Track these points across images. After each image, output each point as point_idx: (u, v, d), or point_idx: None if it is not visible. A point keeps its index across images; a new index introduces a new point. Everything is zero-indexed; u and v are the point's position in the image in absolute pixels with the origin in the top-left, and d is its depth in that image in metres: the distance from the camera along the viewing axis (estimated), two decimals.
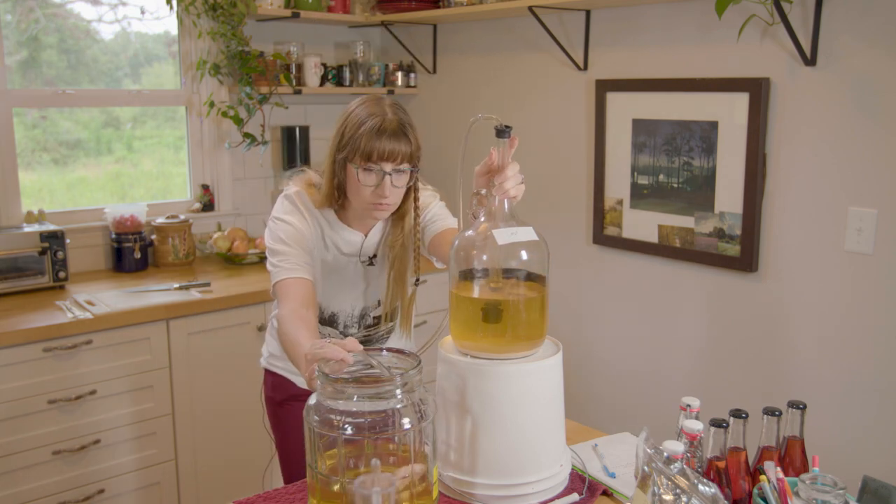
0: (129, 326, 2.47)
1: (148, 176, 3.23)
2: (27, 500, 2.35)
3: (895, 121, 2.06)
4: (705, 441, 1.26)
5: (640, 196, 2.66)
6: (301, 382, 1.86)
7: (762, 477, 1.19)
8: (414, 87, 3.52)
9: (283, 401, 1.89)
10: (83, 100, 2.97)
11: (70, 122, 3.02)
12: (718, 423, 1.23)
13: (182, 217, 3.08)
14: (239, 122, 3.10)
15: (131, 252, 2.94)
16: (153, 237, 3.02)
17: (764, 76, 2.28)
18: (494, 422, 1.30)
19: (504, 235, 1.32)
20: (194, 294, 2.65)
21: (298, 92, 3.22)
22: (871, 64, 2.08)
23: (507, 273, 1.36)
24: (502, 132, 1.36)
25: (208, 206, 3.26)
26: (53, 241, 2.65)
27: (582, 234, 2.92)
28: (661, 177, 2.59)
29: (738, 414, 1.23)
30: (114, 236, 2.93)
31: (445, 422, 1.34)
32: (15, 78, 2.84)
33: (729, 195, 2.40)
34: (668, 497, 1.06)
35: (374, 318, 1.85)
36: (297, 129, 3.30)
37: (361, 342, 1.72)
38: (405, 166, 1.62)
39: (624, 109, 2.67)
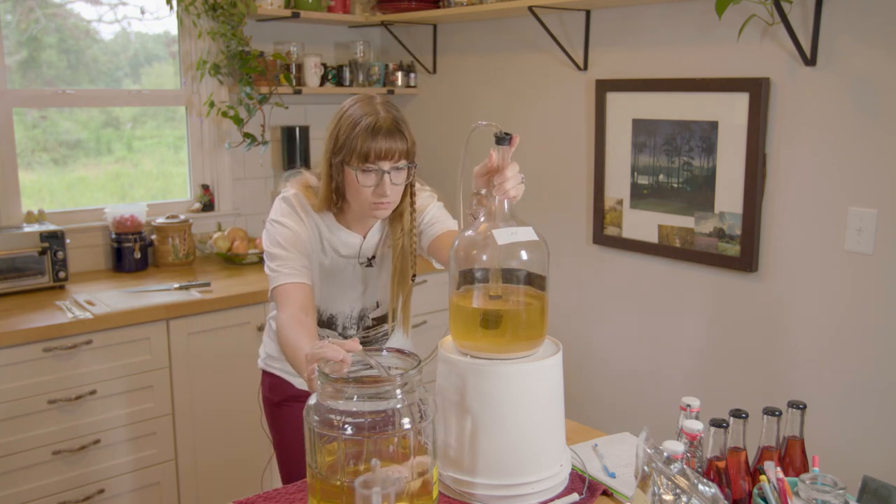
0: (129, 326, 2.47)
1: (148, 176, 3.23)
2: (27, 500, 2.35)
3: (895, 121, 2.06)
4: (705, 441, 1.26)
5: (640, 196, 2.66)
6: (299, 383, 1.85)
7: (762, 477, 1.19)
8: (414, 87, 3.52)
9: (281, 402, 1.89)
10: (83, 100, 2.97)
11: (70, 122, 3.02)
12: (718, 423, 1.23)
13: (182, 217, 3.08)
14: (239, 122, 3.10)
15: (131, 252, 2.94)
16: (153, 237, 3.02)
17: (764, 76, 2.28)
18: (494, 422, 1.30)
19: (504, 235, 1.32)
20: (194, 294, 2.65)
21: (298, 92, 3.22)
22: (871, 64, 2.08)
23: (507, 274, 1.36)
24: (501, 139, 1.36)
25: (208, 206, 3.26)
26: (53, 241, 2.65)
27: (582, 234, 2.92)
28: (661, 177, 2.59)
29: (738, 414, 1.23)
30: (114, 236, 2.93)
31: (445, 422, 1.34)
32: (15, 78, 2.84)
33: (729, 195, 2.40)
34: (668, 497, 1.06)
35: (374, 319, 1.84)
36: (297, 129, 3.30)
37: (361, 343, 1.73)
38: (402, 163, 1.62)
39: (624, 109, 2.67)
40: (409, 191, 1.71)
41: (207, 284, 2.76)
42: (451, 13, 3.02)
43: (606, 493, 1.41)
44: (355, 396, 1.15)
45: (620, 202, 2.73)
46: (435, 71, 3.46)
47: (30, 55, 2.87)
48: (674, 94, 2.51)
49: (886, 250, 2.11)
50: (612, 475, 1.46)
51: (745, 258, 2.38)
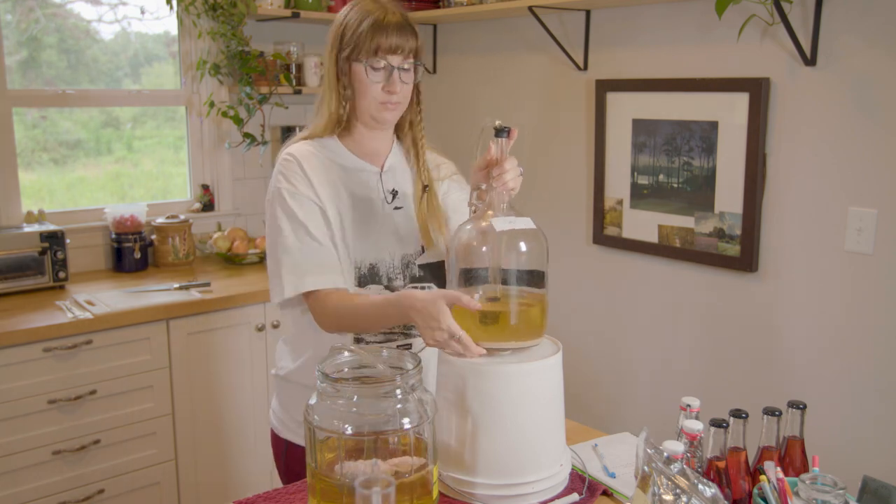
0: (129, 326, 2.47)
1: (148, 176, 3.23)
2: (27, 500, 2.35)
3: (895, 121, 2.06)
4: (705, 441, 1.26)
5: (640, 196, 2.66)
6: None
7: (762, 477, 1.19)
8: None
9: (302, 469, 1.65)
10: (83, 100, 2.97)
11: (70, 122, 3.02)
12: (718, 423, 1.23)
13: (182, 217, 3.08)
14: (239, 122, 3.10)
15: (131, 252, 2.94)
16: (153, 237, 3.02)
17: (764, 76, 2.28)
18: (494, 422, 1.30)
19: (503, 223, 1.34)
20: (194, 294, 2.65)
21: (298, 92, 3.22)
22: (871, 64, 2.08)
23: (507, 274, 1.37)
24: (500, 132, 1.38)
25: (208, 206, 3.26)
26: (53, 241, 2.65)
27: (582, 234, 2.92)
28: (661, 177, 2.59)
29: (738, 414, 1.23)
30: (114, 236, 2.93)
31: (445, 422, 1.34)
32: (15, 78, 2.84)
33: (729, 195, 2.40)
34: (668, 497, 1.06)
35: (421, 267, 1.65)
36: (297, 129, 3.29)
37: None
38: (411, 61, 1.58)
39: (624, 109, 2.67)
40: (416, 97, 1.66)
41: (207, 284, 2.76)
42: (451, 13, 3.02)
43: (606, 493, 1.41)
44: (355, 396, 1.15)
45: (620, 202, 2.73)
46: (435, 71, 3.46)
47: (30, 55, 2.87)
48: (674, 94, 2.51)
49: (886, 250, 2.11)
50: (612, 475, 1.46)
51: (745, 258, 2.38)
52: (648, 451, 1.10)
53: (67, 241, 2.70)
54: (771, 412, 1.24)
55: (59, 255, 2.66)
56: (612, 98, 2.70)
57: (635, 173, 2.66)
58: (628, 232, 2.72)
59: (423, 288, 1.64)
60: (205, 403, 2.68)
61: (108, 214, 2.95)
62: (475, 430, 1.30)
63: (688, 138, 2.49)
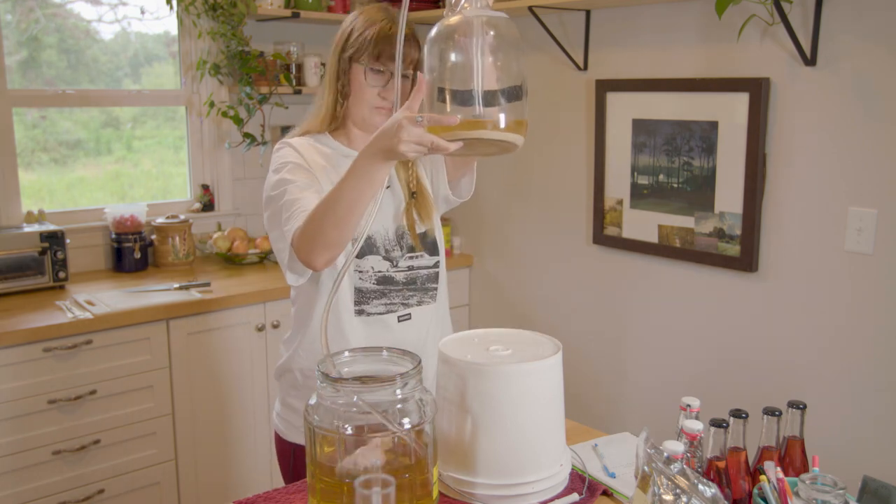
0: (129, 326, 2.47)
1: (148, 176, 3.23)
2: (27, 500, 2.35)
3: (895, 121, 2.06)
4: (705, 441, 1.26)
5: (640, 196, 2.66)
6: None
7: (762, 477, 1.19)
8: None
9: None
10: (83, 100, 2.97)
11: (70, 122, 3.02)
12: (718, 423, 1.23)
13: (182, 217, 3.08)
14: (239, 122, 3.10)
15: (131, 252, 2.94)
16: (153, 237, 3.02)
17: (764, 76, 2.28)
18: (494, 422, 1.30)
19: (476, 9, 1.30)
20: (194, 294, 2.65)
21: (298, 92, 3.21)
22: (871, 64, 2.08)
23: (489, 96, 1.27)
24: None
25: (208, 206, 3.26)
26: (53, 241, 2.65)
27: (582, 234, 2.92)
28: (661, 177, 2.59)
29: (738, 414, 1.23)
30: (114, 236, 2.93)
31: (445, 422, 1.34)
32: (15, 78, 2.84)
33: (729, 195, 2.40)
34: (668, 497, 1.06)
35: (411, 247, 1.69)
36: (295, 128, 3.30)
37: (406, 283, 1.66)
38: (410, 71, 1.62)
39: (624, 109, 2.67)
40: None
41: (207, 284, 2.76)
42: None
43: (606, 493, 1.41)
44: (355, 396, 1.15)
45: (620, 202, 2.73)
46: None
47: (30, 55, 2.87)
48: (674, 94, 2.51)
49: (886, 250, 2.11)
50: (612, 475, 1.46)
51: (745, 258, 2.38)
52: (648, 451, 1.10)
53: (67, 241, 2.70)
54: (771, 412, 1.24)
55: (59, 255, 2.66)
56: (612, 98, 2.70)
57: (635, 173, 2.67)
58: (628, 232, 2.72)
59: (419, 257, 1.69)
60: (205, 403, 2.68)
61: (108, 214, 2.95)
62: (475, 430, 1.31)
63: (688, 138, 2.49)
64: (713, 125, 2.41)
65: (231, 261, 3.08)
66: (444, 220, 3.29)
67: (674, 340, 2.64)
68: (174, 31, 3.15)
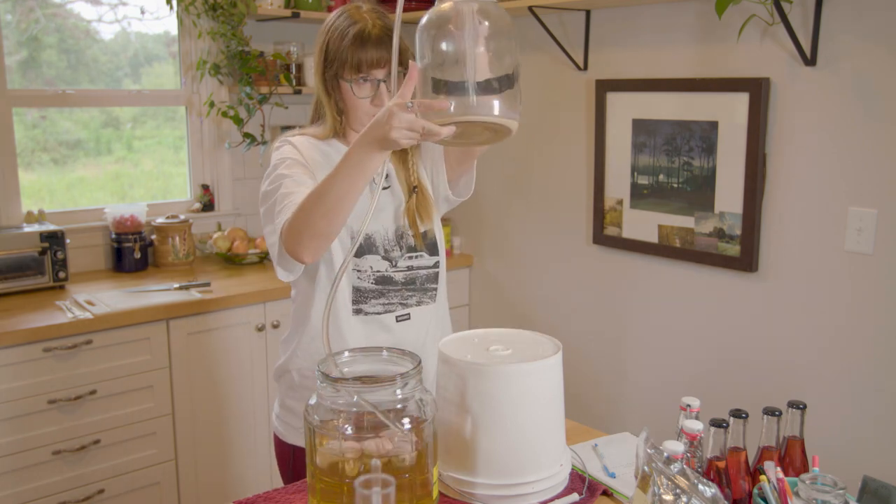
0: (129, 326, 2.47)
1: (148, 176, 3.23)
2: (27, 500, 2.35)
3: (895, 121, 2.06)
4: (705, 441, 1.26)
5: (640, 196, 2.66)
6: None
7: (762, 477, 1.19)
8: None
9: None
10: (83, 100, 2.97)
11: (70, 122, 3.02)
12: (718, 423, 1.23)
13: (182, 217, 3.08)
14: (239, 122, 3.10)
15: (131, 252, 2.94)
16: (153, 237, 3.02)
17: (764, 76, 2.28)
18: (494, 422, 1.30)
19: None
20: (194, 294, 2.65)
21: (298, 92, 3.22)
22: (871, 64, 2.08)
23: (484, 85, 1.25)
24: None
25: (208, 206, 3.26)
26: (53, 241, 2.65)
27: (582, 234, 2.92)
28: (661, 177, 2.59)
29: (738, 414, 1.23)
30: (114, 236, 2.93)
31: (445, 422, 1.34)
32: (15, 78, 2.84)
33: (729, 195, 2.40)
34: (668, 497, 1.06)
35: (411, 247, 1.68)
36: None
37: (405, 283, 1.66)
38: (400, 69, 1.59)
39: (624, 109, 2.67)
40: None
41: (207, 284, 2.76)
42: None
43: (606, 493, 1.41)
44: (355, 396, 1.15)
45: (620, 202, 2.73)
46: None
47: (30, 55, 2.87)
48: (674, 94, 2.51)
49: (886, 250, 2.11)
50: (612, 475, 1.46)
51: (745, 258, 2.38)
52: (648, 451, 1.10)
53: (67, 241, 2.70)
54: (771, 412, 1.24)
55: (59, 255, 2.66)
56: (612, 98, 2.71)
57: (635, 173, 2.67)
58: (628, 232, 2.72)
59: (418, 257, 1.68)
60: (205, 403, 2.68)
61: (108, 214, 2.95)
62: (475, 430, 1.31)
63: (688, 138, 2.49)
64: (713, 125, 2.41)
65: (231, 261, 3.08)
66: (444, 220, 3.29)
67: (674, 340, 2.64)
68: (174, 31, 3.15)
